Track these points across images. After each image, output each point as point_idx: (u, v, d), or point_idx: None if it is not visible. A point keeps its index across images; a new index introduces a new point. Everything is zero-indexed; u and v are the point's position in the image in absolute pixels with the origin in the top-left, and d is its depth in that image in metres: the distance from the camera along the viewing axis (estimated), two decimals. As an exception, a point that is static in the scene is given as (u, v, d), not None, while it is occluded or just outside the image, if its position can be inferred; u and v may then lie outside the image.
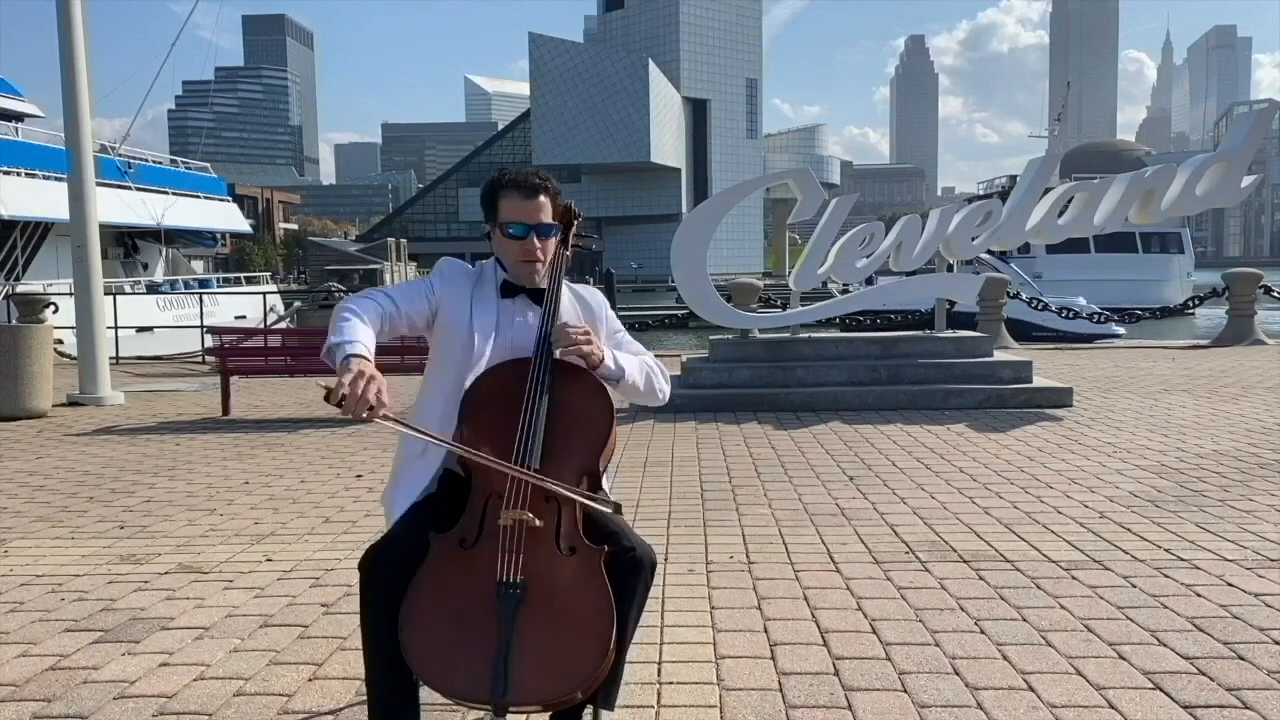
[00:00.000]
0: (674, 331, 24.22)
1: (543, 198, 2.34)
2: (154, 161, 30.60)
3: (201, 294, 23.18)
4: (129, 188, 26.68)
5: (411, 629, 2.08)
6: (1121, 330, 20.85)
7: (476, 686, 2.02)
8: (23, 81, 27.49)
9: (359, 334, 2.14)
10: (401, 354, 8.41)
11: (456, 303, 2.38)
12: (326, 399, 1.96)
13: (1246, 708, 2.65)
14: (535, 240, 2.33)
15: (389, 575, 2.15)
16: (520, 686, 2.00)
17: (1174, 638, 3.16)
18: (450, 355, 2.38)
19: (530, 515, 2.11)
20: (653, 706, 2.73)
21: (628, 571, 2.17)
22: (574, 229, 2.51)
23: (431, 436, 2.19)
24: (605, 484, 2.46)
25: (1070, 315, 17.66)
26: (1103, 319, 17.91)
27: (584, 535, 2.17)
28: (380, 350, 2.22)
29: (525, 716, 2.23)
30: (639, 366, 2.44)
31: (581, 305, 2.48)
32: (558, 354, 2.30)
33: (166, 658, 3.17)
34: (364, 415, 1.98)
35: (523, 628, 2.04)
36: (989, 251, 13.00)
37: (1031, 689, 2.80)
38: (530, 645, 2.03)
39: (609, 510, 2.19)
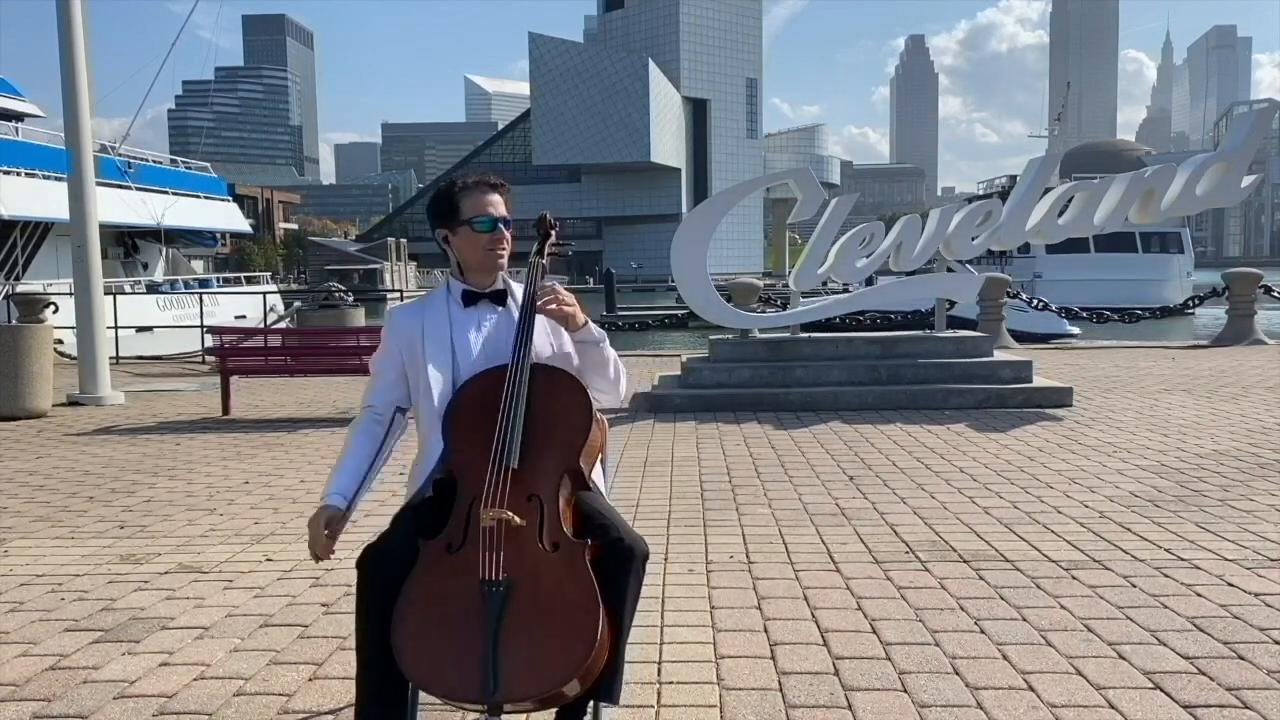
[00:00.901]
0: (674, 331, 24.21)
1: (499, 195, 2.47)
2: (154, 161, 30.59)
3: (201, 294, 23.18)
4: (129, 187, 26.68)
5: (403, 633, 2.09)
6: (1076, 330, 21.03)
7: (467, 686, 2.03)
8: (23, 81, 27.48)
9: (337, 480, 2.41)
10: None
11: (411, 348, 2.46)
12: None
13: (1246, 708, 2.65)
14: (502, 229, 2.45)
15: (386, 574, 2.17)
16: (509, 683, 2.01)
17: (1174, 638, 3.16)
18: (421, 398, 2.43)
19: (510, 514, 2.13)
20: (653, 706, 2.73)
21: (619, 562, 2.18)
22: (551, 239, 2.59)
23: None
24: (602, 484, 2.46)
25: (1070, 314, 17.80)
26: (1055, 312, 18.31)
27: (570, 530, 2.19)
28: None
29: (525, 717, 2.23)
30: (611, 350, 2.52)
31: None
32: (539, 312, 2.35)
33: (166, 657, 3.17)
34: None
35: (509, 625, 2.06)
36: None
37: (1031, 689, 2.80)
38: (516, 641, 2.04)
39: None
